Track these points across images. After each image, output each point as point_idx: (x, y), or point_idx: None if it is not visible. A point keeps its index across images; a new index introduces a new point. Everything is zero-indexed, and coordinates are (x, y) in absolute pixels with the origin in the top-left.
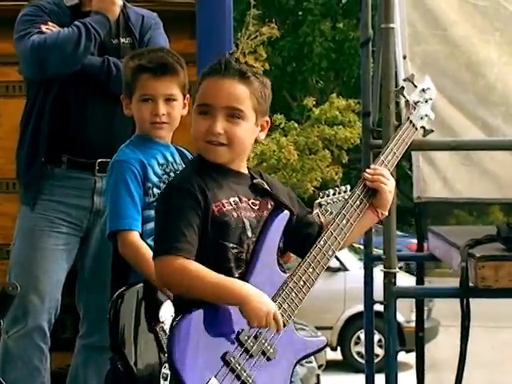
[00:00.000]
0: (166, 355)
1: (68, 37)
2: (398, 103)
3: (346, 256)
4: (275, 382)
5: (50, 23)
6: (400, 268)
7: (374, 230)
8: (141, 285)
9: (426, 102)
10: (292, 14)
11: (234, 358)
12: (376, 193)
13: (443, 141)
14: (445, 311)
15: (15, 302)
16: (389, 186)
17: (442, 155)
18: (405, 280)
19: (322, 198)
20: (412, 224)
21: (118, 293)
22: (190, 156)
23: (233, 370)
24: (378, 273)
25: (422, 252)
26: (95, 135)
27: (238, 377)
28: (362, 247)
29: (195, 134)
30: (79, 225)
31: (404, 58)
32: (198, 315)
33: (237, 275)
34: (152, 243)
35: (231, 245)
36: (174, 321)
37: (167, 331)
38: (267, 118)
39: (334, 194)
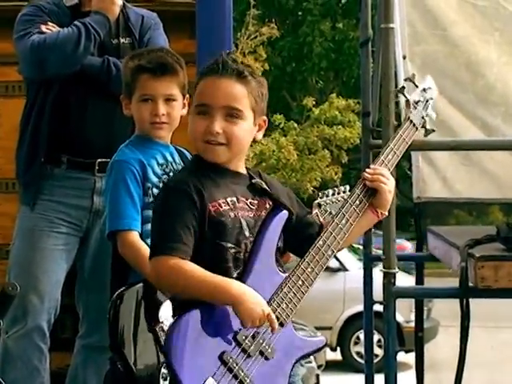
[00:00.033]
0: (162, 356)
1: (68, 37)
2: (397, 103)
3: (346, 256)
4: (273, 381)
5: (49, 23)
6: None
7: (373, 231)
8: (140, 285)
9: (427, 101)
10: (292, 14)
11: (231, 357)
12: (376, 193)
13: (443, 141)
14: (444, 311)
15: (15, 302)
16: (388, 185)
17: (442, 155)
18: (404, 280)
19: (321, 198)
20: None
21: (117, 293)
22: (189, 156)
23: (230, 370)
24: (378, 273)
25: (422, 252)
26: (95, 135)
27: (236, 376)
28: (361, 247)
29: (193, 134)
30: (79, 225)
31: (404, 58)
32: (195, 315)
33: (235, 275)
34: None
35: (229, 245)
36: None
37: None
38: (264, 118)
39: (333, 195)
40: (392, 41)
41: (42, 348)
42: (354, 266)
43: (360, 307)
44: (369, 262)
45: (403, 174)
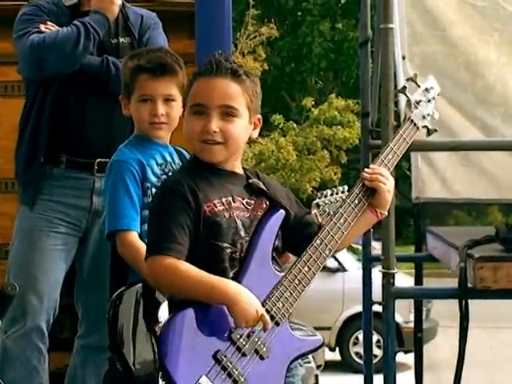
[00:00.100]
0: (157, 354)
1: (67, 36)
2: (396, 103)
3: (345, 256)
4: (269, 380)
5: (48, 23)
6: None
7: (372, 231)
8: (140, 285)
9: (429, 101)
10: (291, 14)
11: (225, 356)
12: (375, 192)
13: (442, 141)
14: (443, 312)
15: (14, 302)
16: (388, 185)
17: (441, 156)
18: (404, 281)
19: (319, 198)
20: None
21: (116, 293)
22: (188, 156)
23: (224, 369)
24: (377, 273)
25: (421, 252)
26: (94, 135)
27: (230, 375)
28: (360, 248)
29: (190, 134)
30: (78, 225)
31: (403, 58)
32: (189, 314)
33: (231, 275)
34: None
35: (225, 245)
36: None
37: None
38: (259, 116)
39: (331, 195)
40: (391, 41)
41: (41, 348)
42: (353, 266)
43: (359, 307)
44: (368, 263)
45: (402, 175)
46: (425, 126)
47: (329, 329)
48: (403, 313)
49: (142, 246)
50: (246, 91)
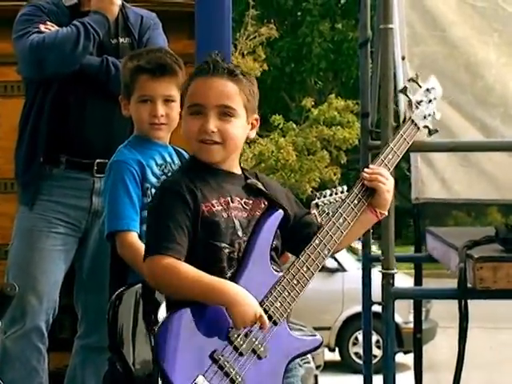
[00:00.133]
0: (153, 354)
1: (67, 36)
2: (396, 104)
3: (344, 257)
4: (266, 380)
5: (48, 23)
6: None
7: (371, 232)
8: (139, 285)
9: (430, 101)
10: (291, 14)
11: (222, 356)
12: (374, 192)
13: (441, 142)
14: (443, 312)
15: (13, 302)
16: (387, 185)
17: (441, 156)
18: (403, 281)
19: (319, 198)
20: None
21: (116, 293)
22: (187, 157)
23: (221, 368)
24: (376, 274)
25: (421, 253)
26: (94, 135)
27: (227, 374)
28: (360, 248)
29: (188, 134)
30: (77, 225)
31: (403, 58)
32: (186, 313)
33: (229, 275)
34: None
35: (223, 244)
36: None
37: None
38: (257, 116)
39: (330, 195)
40: (391, 41)
41: (41, 348)
42: (353, 266)
43: (358, 308)
44: (367, 263)
45: (402, 175)
46: (426, 127)
47: (328, 329)
48: (403, 313)
49: (142, 247)
50: (243, 91)
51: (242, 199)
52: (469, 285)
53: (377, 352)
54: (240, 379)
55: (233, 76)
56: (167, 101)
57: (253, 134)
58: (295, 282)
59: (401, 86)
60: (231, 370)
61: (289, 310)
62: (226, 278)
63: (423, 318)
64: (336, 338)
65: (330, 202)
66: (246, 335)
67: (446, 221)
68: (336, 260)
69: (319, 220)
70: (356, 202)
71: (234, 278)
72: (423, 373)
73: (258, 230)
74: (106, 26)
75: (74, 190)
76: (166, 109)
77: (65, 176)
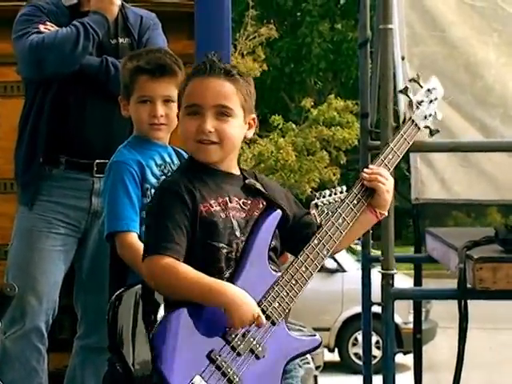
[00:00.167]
0: (150, 353)
1: (66, 36)
2: (396, 104)
3: (344, 257)
4: (264, 380)
5: (48, 23)
6: None
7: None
8: (139, 286)
9: (431, 101)
10: (290, 14)
11: (219, 355)
12: (374, 193)
13: (441, 142)
14: (442, 313)
15: (13, 302)
16: (387, 185)
17: (440, 156)
18: (403, 281)
19: (318, 198)
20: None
21: (116, 294)
22: (187, 157)
23: (218, 368)
24: (376, 274)
25: (420, 253)
26: (93, 135)
27: (224, 374)
28: (359, 248)
29: (185, 134)
30: (77, 226)
31: (402, 58)
32: (183, 313)
33: (227, 275)
34: None
35: (221, 245)
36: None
37: None
38: (254, 116)
39: (330, 195)
40: (391, 42)
41: (40, 349)
42: (352, 266)
43: (358, 308)
44: (367, 263)
45: (402, 175)
46: (427, 127)
47: (328, 329)
48: (402, 314)
49: (142, 247)
50: (240, 91)
51: (240, 199)
52: (468, 285)
53: (376, 352)
54: (237, 379)
55: (229, 76)
56: (167, 101)
57: (250, 134)
58: (294, 282)
59: (400, 86)
60: (229, 370)
61: (287, 310)
62: (223, 278)
63: (423, 318)
64: (336, 339)
65: (330, 203)
66: (244, 335)
67: (446, 221)
68: (335, 260)
69: (318, 220)
70: (355, 202)
71: (232, 279)
72: (423, 373)
73: (256, 231)
74: (105, 26)
75: (73, 191)
76: (166, 109)
77: (64, 176)
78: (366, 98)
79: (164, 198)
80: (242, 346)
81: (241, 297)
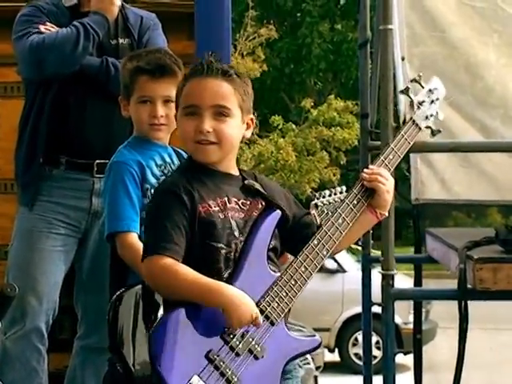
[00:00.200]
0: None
1: (66, 37)
2: (396, 105)
3: (344, 257)
4: (263, 380)
5: (48, 24)
6: None
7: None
8: (139, 286)
9: (433, 102)
10: (290, 15)
11: (217, 355)
12: (374, 193)
13: (441, 142)
14: (443, 313)
15: (13, 303)
16: (387, 185)
17: (441, 157)
18: (403, 282)
19: (318, 199)
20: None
21: (116, 294)
22: (186, 157)
23: (217, 368)
24: (376, 274)
25: (420, 254)
26: (94, 136)
27: (223, 374)
28: (359, 248)
29: (184, 135)
30: (77, 226)
31: (402, 59)
32: (182, 313)
33: (226, 275)
34: None
35: (220, 245)
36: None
37: None
38: (252, 116)
39: (330, 195)
40: (391, 42)
41: (41, 349)
42: (353, 267)
43: (358, 309)
44: (367, 264)
45: (402, 176)
46: (428, 127)
47: (328, 330)
48: (402, 314)
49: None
50: (237, 91)
51: (239, 200)
52: (469, 286)
53: (377, 353)
54: (236, 379)
55: (227, 76)
56: (167, 101)
57: (248, 134)
58: (293, 283)
59: (400, 86)
60: (227, 370)
61: (286, 311)
62: (222, 279)
63: (423, 318)
64: (336, 339)
65: (330, 203)
66: (243, 335)
67: (446, 222)
68: (336, 261)
69: (318, 220)
70: (355, 202)
71: (231, 279)
72: (423, 373)
73: (255, 231)
74: (105, 26)
75: (73, 191)
76: (166, 109)
77: (65, 177)
78: (366, 99)
79: (162, 199)
80: (240, 346)
81: (239, 297)
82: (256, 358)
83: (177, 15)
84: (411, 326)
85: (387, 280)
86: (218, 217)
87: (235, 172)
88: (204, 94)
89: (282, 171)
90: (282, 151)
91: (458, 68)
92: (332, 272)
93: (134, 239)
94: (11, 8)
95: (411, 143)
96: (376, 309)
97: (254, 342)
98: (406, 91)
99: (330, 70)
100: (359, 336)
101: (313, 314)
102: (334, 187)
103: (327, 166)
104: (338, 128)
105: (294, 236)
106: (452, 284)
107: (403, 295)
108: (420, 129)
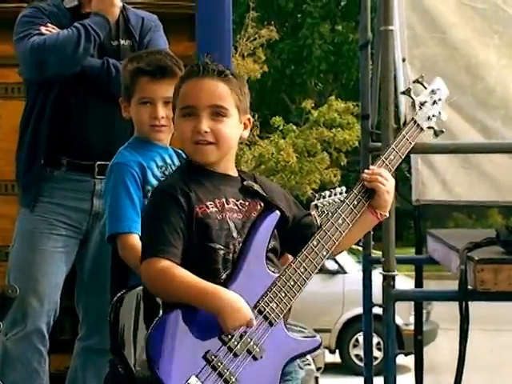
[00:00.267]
0: (145, 354)
1: (67, 38)
2: (397, 106)
3: (345, 258)
4: (262, 381)
5: (49, 25)
6: None
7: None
8: (140, 288)
9: (435, 102)
10: (291, 16)
11: (215, 356)
12: (374, 193)
13: (442, 144)
14: (443, 314)
15: (14, 304)
16: (387, 186)
17: (441, 158)
18: (404, 283)
19: (318, 199)
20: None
21: (117, 296)
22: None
23: (214, 369)
24: (377, 275)
25: (421, 255)
26: (95, 137)
27: (221, 375)
28: (360, 249)
29: (182, 136)
30: (78, 227)
31: (403, 60)
32: (180, 314)
33: (224, 276)
34: None
35: (217, 246)
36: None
37: None
38: (249, 116)
39: (329, 196)
40: (391, 43)
41: (42, 350)
42: (353, 268)
43: (359, 310)
44: (368, 265)
45: (403, 177)
46: (431, 127)
47: (329, 331)
48: (403, 315)
49: None
50: (233, 91)
51: (237, 201)
52: (469, 287)
53: (377, 354)
54: (234, 380)
55: (223, 76)
56: (167, 103)
57: (246, 134)
58: (292, 283)
59: (401, 87)
60: (225, 370)
61: (285, 311)
62: (220, 280)
63: (424, 319)
64: (336, 340)
65: (330, 203)
66: (241, 336)
67: (447, 223)
68: (336, 262)
69: (319, 221)
70: (356, 202)
71: (229, 280)
72: (424, 375)
73: (254, 232)
74: (106, 27)
75: (74, 192)
76: (166, 111)
77: (66, 178)
78: (366, 100)
79: (159, 201)
80: (238, 346)
81: (235, 302)
82: (255, 358)
83: (178, 16)
84: (412, 327)
85: (388, 281)
86: (216, 218)
87: (234, 173)
88: (201, 94)
89: (283, 172)
90: (282, 152)
91: (459, 69)
92: (333, 273)
93: (136, 240)
94: (12, 9)
95: (412, 144)
96: (377, 310)
97: (252, 343)
98: (407, 92)
99: (330, 71)
100: (360, 337)
101: (313, 315)
102: (334, 188)
103: (328, 167)
104: (339, 129)
105: (294, 237)
106: (453, 285)
107: (404, 296)
108: (422, 129)
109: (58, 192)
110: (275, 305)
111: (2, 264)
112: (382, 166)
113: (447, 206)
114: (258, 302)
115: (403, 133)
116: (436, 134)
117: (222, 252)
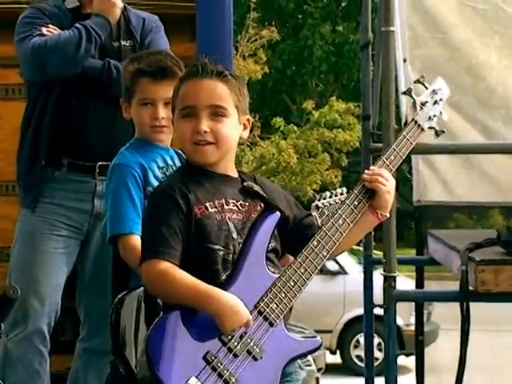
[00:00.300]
0: (145, 355)
1: (68, 39)
2: (398, 106)
3: (346, 259)
4: (263, 381)
5: (50, 26)
6: None
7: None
8: (141, 289)
9: (436, 102)
10: (292, 17)
11: (215, 357)
12: (375, 194)
13: (443, 144)
14: (444, 315)
15: (15, 305)
16: (387, 186)
17: (442, 158)
18: (405, 283)
19: (318, 200)
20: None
21: (119, 297)
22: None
23: (214, 369)
24: (378, 276)
25: (422, 256)
26: (96, 138)
27: (220, 375)
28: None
29: (181, 137)
30: (79, 228)
31: (404, 61)
32: (179, 315)
33: (224, 277)
34: None
35: (217, 247)
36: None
37: None
38: (248, 117)
39: (330, 197)
40: (392, 44)
41: (43, 351)
42: (354, 269)
43: (360, 310)
44: (369, 265)
45: (403, 177)
46: (432, 128)
47: (330, 332)
48: (404, 316)
49: None
50: (233, 91)
51: (237, 201)
52: (470, 287)
53: (378, 355)
54: (234, 380)
55: (222, 77)
56: (168, 103)
57: (245, 135)
58: (292, 284)
59: (402, 88)
60: (225, 371)
61: (285, 312)
62: (220, 281)
63: (425, 320)
64: (337, 341)
65: (330, 204)
66: (241, 337)
67: (448, 223)
68: (337, 263)
69: (319, 222)
70: (356, 203)
71: (229, 281)
72: (425, 375)
73: (254, 232)
74: (107, 28)
75: (75, 193)
76: (167, 111)
77: (67, 179)
78: (367, 101)
79: (158, 202)
80: (238, 347)
81: (234, 305)
82: (255, 358)
83: (179, 17)
84: (413, 327)
85: (389, 282)
86: (215, 218)
87: (234, 174)
88: (200, 94)
89: (284, 173)
90: (283, 153)
91: (460, 69)
92: (333, 274)
93: (137, 241)
94: (13, 10)
95: (413, 144)
96: (378, 310)
97: (252, 343)
98: (408, 92)
99: (331, 71)
100: (361, 338)
101: (314, 315)
102: (335, 189)
103: (329, 167)
104: (340, 130)
105: (295, 237)
106: (454, 286)
107: (405, 297)
108: (423, 130)
109: (59, 193)
110: (275, 305)
111: (3, 265)
112: (383, 167)
113: (448, 206)
114: (258, 302)
115: (404, 133)
116: (437, 134)
117: (221, 253)
